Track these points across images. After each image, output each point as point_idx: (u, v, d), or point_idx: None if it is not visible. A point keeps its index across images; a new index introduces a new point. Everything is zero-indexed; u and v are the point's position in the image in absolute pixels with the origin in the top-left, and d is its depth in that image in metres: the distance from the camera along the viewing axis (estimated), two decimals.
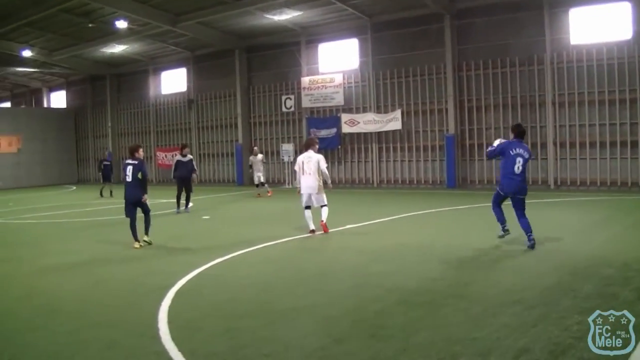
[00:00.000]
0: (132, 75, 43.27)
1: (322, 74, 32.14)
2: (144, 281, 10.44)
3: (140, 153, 14.16)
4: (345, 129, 31.01)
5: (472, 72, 27.27)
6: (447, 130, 27.70)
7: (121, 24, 31.32)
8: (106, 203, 26.42)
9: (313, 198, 14.82)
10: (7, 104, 55.95)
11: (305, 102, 32.55)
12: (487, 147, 14.73)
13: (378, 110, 30.11)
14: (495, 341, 6.39)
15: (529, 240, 11.81)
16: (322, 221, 14.78)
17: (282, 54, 33.83)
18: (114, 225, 18.68)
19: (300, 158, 15.11)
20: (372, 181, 30.82)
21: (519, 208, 12.11)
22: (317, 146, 15.69)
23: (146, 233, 14.13)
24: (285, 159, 32.94)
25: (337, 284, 9.58)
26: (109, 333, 7.48)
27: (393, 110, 29.44)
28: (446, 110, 27.91)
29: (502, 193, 12.32)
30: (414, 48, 28.80)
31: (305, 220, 15.04)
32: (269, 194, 26.90)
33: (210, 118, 38.10)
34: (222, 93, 37.15)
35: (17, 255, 13.63)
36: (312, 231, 14.81)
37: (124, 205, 14.02)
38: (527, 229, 11.90)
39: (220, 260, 11.92)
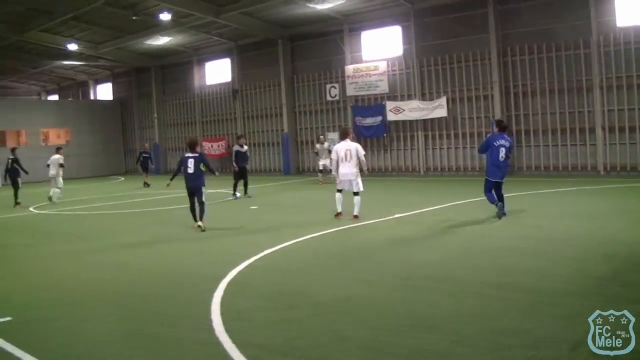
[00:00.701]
0: (176, 67, 44.33)
1: (366, 62, 32.48)
2: (196, 272, 10.81)
3: (198, 147, 15.70)
4: (391, 116, 31.36)
5: (517, 57, 27.30)
6: (493, 116, 27.78)
7: (165, 16, 32.17)
8: (153, 194, 27.39)
9: (353, 184, 15.78)
10: (55, 97, 57.72)
11: (350, 91, 33.01)
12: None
13: (423, 97, 30.40)
14: (549, 333, 6.43)
15: (502, 209, 14.64)
16: (356, 216, 15.64)
17: (325, 42, 34.28)
18: (163, 216, 19.69)
19: (338, 147, 16.01)
20: (419, 169, 31.16)
21: (500, 189, 14.89)
22: (352, 135, 16.82)
23: (201, 219, 15.56)
24: (331, 147, 33.53)
25: (386, 275, 9.70)
26: (161, 324, 7.76)
27: (438, 97, 29.71)
28: (492, 96, 28.02)
29: (492, 180, 14.74)
30: (457, 34, 28.93)
31: (335, 203, 16.11)
32: (320, 183, 27.92)
33: (255, 108, 38.85)
34: (266, 83, 37.80)
35: (70, 247, 14.32)
36: (340, 214, 15.99)
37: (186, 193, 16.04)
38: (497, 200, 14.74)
39: (271, 250, 12.20)
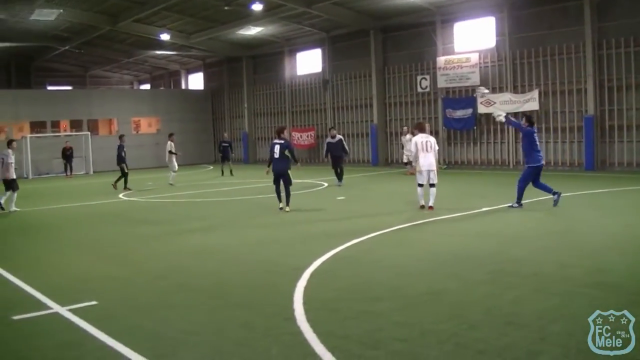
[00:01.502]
0: (267, 57, 46.08)
1: (458, 53, 33.25)
2: (280, 261, 11.23)
3: (286, 134, 18.17)
4: (481, 109, 32.08)
5: (613, 50, 27.57)
6: (586, 111, 28.32)
7: (257, 7, 33.55)
8: (234, 183, 28.82)
9: (431, 175, 16.90)
10: (147, 86, 60.52)
11: (441, 82, 33.84)
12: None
13: (515, 90, 30.99)
14: (636, 332, 6.21)
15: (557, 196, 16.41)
16: (431, 207, 16.85)
17: (417, 33, 35.22)
18: (248, 205, 20.87)
19: (417, 139, 17.23)
20: (508, 162, 31.81)
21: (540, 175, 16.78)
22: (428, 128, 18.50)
23: (287, 204, 17.83)
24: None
25: (471, 269, 9.90)
26: (244, 313, 8.10)
27: (530, 90, 30.24)
28: (585, 90, 28.38)
29: (539, 165, 16.53)
30: (552, 26, 29.41)
31: (417, 197, 17.20)
32: (408, 174, 29.02)
33: (345, 98, 40.14)
34: (357, 73, 39.01)
35: (155, 235, 15.18)
36: (423, 207, 17.05)
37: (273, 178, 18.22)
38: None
39: (355, 241, 12.61)
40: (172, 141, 30.15)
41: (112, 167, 32.95)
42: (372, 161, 38.06)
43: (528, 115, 18.18)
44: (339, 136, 26.64)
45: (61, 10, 36.37)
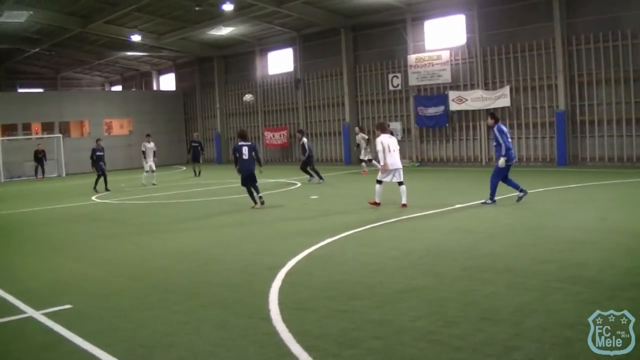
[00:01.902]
0: (239, 57, 46.00)
1: (429, 51, 33.31)
2: (255, 261, 11.23)
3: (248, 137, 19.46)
4: (453, 106, 32.16)
5: (583, 46, 27.72)
6: (557, 106, 28.48)
7: (227, 7, 33.42)
8: (209, 183, 28.81)
9: (398, 174, 17.16)
10: (119, 88, 60.20)
11: (412, 80, 33.88)
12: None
13: (486, 87, 31.10)
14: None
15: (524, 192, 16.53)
16: (404, 204, 16.93)
17: (387, 32, 35.28)
18: (221, 205, 20.79)
19: (383, 139, 17.30)
20: (481, 159, 31.93)
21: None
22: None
23: (261, 201, 18.77)
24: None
25: (446, 266, 9.92)
26: (220, 313, 8.13)
27: (501, 86, 30.37)
28: (556, 86, 28.54)
29: (510, 164, 16.61)
30: (522, 23, 29.55)
31: (376, 193, 17.35)
32: (363, 173, 29.24)
33: (317, 97, 40.16)
34: (328, 72, 39.03)
35: (130, 235, 15.32)
36: (378, 204, 17.30)
37: (240, 177, 18.89)
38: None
39: (330, 240, 12.64)
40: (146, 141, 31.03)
41: (86, 169, 32.98)
42: (345, 160, 38.06)
43: (492, 112, 18.29)
44: (304, 139, 27.45)
45: (31, 12, 35.98)
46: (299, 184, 25.77)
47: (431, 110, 33.20)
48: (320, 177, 26.14)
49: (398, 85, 35.12)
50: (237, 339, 7.06)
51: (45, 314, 8.40)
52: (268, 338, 6.99)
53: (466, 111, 32.06)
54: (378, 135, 17.70)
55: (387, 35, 35.49)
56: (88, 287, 10.10)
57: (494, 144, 16.91)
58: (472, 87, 31.78)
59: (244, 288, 9.45)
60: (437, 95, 33.23)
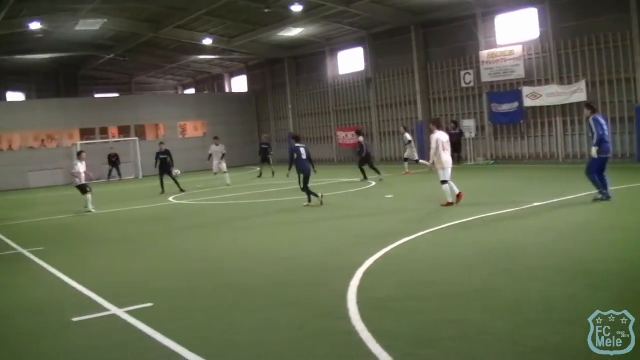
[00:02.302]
0: (309, 57, 46.05)
1: (501, 46, 32.71)
2: (331, 260, 11.42)
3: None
4: (528, 102, 31.54)
5: None
6: (637, 100, 27.71)
7: (296, 8, 33.57)
8: (282, 184, 28.38)
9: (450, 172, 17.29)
10: (192, 91, 61.06)
11: (485, 77, 33.36)
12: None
13: (561, 81, 30.36)
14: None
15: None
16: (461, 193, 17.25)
17: (458, 28, 34.73)
18: (296, 204, 20.82)
19: (440, 137, 17.32)
20: (557, 156, 31.18)
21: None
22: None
23: (315, 195, 19.65)
24: (467, 135, 33.89)
25: (525, 266, 9.87)
26: (299, 312, 8.26)
27: (577, 81, 29.59)
28: (634, 79, 27.59)
29: (605, 157, 15.80)
30: (596, 14, 28.68)
31: (447, 194, 17.19)
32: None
33: (388, 96, 39.92)
34: (399, 70, 38.75)
35: (205, 236, 15.89)
36: (451, 203, 17.14)
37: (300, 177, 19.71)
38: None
39: (407, 240, 12.68)
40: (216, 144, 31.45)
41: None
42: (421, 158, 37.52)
43: (588, 103, 17.82)
44: (360, 138, 28.12)
45: (105, 20, 36.99)
46: (374, 183, 25.70)
47: (505, 107, 32.59)
48: (379, 173, 27.02)
49: (470, 82, 34.60)
50: (315, 339, 7.16)
51: (128, 312, 8.76)
52: (347, 337, 7.03)
53: (541, 107, 31.36)
54: (433, 132, 17.55)
55: (458, 32, 34.93)
56: (168, 286, 10.50)
57: (590, 135, 16.24)
58: (547, 82, 31.00)
59: (322, 287, 9.58)
60: (510, 91, 32.59)
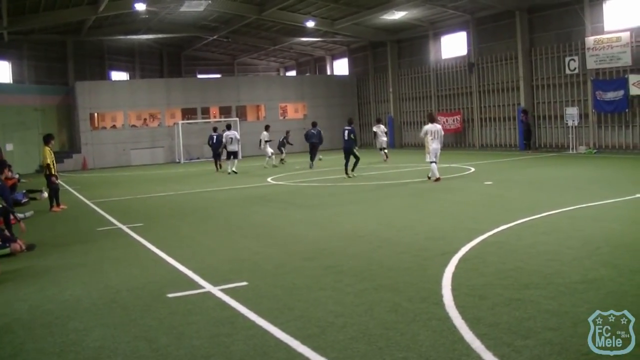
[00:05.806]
0: (412, 41, 47.01)
1: (608, 32, 32.67)
2: (427, 246, 11.43)
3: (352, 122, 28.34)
4: (634, 91, 31.39)
5: None
6: None
7: None
8: (382, 167, 29.63)
9: (438, 155, 22.38)
10: (293, 73, 62.71)
11: (590, 63, 33.37)
12: None
13: None
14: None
15: None
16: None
17: (564, 13, 34.93)
18: (394, 187, 21.71)
19: (429, 127, 22.31)
20: None
21: None
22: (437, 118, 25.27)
23: (353, 169, 25.69)
24: (570, 123, 34.13)
25: (628, 258, 9.72)
26: (393, 296, 8.29)
27: None
28: None
29: None
30: None
31: (432, 171, 22.14)
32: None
33: (491, 81, 40.41)
34: (503, 55, 39.17)
35: (302, 216, 16.24)
36: (439, 179, 21.94)
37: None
38: None
39: (504, 227, 12.67)
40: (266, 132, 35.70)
41: (261, 152, 37.13)
42: (520, 145, 38.04)
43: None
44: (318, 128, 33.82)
45: (209, 1, 38.67)
46: (473, 169, 26.17)
47: (610, 95, 32.63)
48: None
49: (575, 68, 34.70)
50: (409, 323, 7.22)
51: (223, 290, 9.10)
52: (441, 323, 7.12)
53: None
54: (426, 124, 22.73)
55: (564, 17, 35.14)
56: (263, 266, 10.67)
57: None
58: None
59: (417, 272, 9.60)
60: (616, 79, 32.60)
